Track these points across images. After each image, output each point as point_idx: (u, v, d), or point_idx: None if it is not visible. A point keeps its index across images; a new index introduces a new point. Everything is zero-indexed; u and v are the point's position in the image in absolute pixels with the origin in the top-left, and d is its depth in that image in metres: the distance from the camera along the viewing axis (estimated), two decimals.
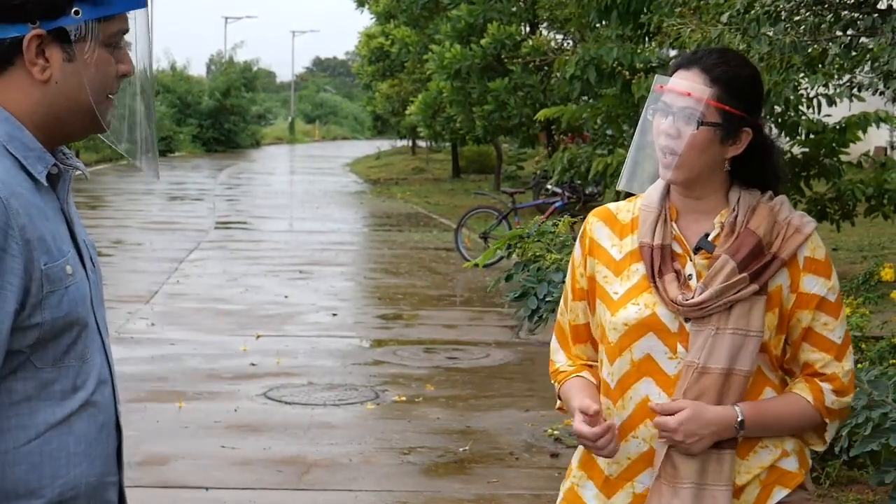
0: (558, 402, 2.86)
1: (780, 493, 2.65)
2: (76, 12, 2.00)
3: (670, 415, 2.58)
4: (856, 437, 4.25)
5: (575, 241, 2.86)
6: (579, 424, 2.62)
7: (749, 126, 2.64)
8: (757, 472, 2.64)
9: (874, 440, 4.06)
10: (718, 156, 2.63)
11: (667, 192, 2.71)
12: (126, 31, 2.08)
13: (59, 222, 2.06)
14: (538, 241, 6.56)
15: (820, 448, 2.74)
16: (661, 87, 2.66)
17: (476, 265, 7.46)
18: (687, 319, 2.61)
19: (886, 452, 4.16)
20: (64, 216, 2.09)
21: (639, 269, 2.67)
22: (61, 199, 2.09)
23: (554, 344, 2.87)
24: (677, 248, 2.67)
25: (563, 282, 3.04)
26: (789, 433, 2.67)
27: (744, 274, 2.59)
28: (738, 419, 2.58)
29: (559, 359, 2.84)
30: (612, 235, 2.74)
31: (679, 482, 2.59)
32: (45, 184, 2.03)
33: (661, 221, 2.67)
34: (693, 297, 2.59)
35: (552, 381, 2.86)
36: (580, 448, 2.78)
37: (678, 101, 2.62)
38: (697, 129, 2.59)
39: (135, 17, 2.10)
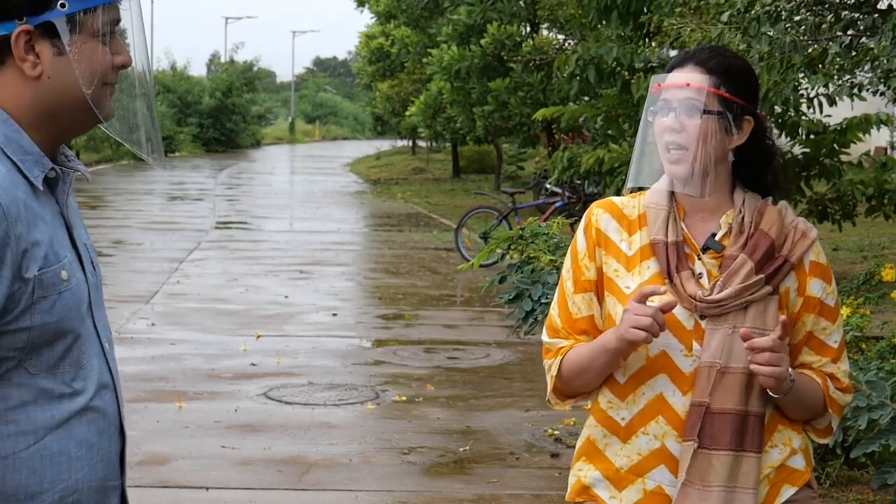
0: (553, 372, 2.71)
1: (788, 491, 2.67)
2: (62, 5, 1.98)
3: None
4: (850, 433, 4.24)
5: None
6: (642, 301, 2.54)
7: (749, 114, 2.67)
8: (767, 472, 2.65)
9: (874, 441, 4.05)
10: (723, 146, 2.64)
11: (672, 191, 2.71)
12: (118, 20, 2.05)
13: (58, 227, 2.03)
14: (532, 242, 6.54)
15: (826, 441, 2.77)
16: (659, 84, 2.69)
17: (472, 266, 7.43)
18: (702, 317, 2.62)
19: (886, 453, 4.15)
20: (63, 219, 2.06)
21: (651, 266, 2.66)
22: (60, 203, 2.05)
23: (546, 339, 2.77)
24: (685, 248, 2.67)
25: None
26: (803, 411, 2.68)
27: (760, 276, 2.61)
28: (790, 374, 2.58)
29: (558, 342, 2.74)
30: (619, 229, 2.72)
31: (708, 485, 2.59)
32: (43, 188, 2.01)
33: (672, 220, 2.68)
34: (711, 295, 2.60)
35: (547, 361, 2.74)
36: (581, 441, 2.77)
37: (678, 94, 2.64)
38: (701, 118, 2.61)
39: (128, 7, 2.08)
